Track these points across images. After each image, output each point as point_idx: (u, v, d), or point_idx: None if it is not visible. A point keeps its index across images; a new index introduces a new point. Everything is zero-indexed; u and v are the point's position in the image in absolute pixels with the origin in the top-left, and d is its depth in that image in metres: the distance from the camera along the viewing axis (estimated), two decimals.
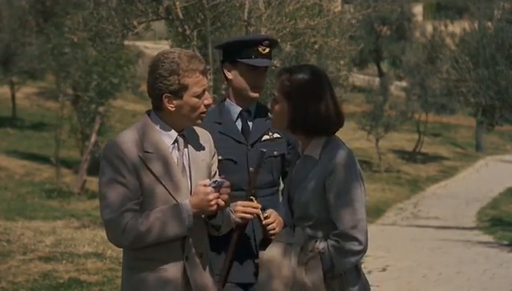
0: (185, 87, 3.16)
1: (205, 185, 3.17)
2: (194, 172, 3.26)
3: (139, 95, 30.99)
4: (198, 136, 3.37)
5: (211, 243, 3.54)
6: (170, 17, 12.30)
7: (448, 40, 26.71)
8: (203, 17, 12.03)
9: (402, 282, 10.38)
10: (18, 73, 26.08)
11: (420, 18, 45.52)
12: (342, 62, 17.49)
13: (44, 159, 22.05)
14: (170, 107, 3.18)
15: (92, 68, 18.15)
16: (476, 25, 21.55)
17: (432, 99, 31.66)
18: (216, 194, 3.14)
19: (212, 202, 3.13)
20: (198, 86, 3.17)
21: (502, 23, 19.63)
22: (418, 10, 46.92)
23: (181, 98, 3.17)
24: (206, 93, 3.22)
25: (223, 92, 12.56)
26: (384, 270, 11.23)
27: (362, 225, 3.26)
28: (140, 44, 21.54)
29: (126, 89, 21.03)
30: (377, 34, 41.41)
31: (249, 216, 3.72)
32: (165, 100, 3.17)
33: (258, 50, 3.81)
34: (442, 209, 21.92)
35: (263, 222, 3.73)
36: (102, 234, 12.02)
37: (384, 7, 37.02)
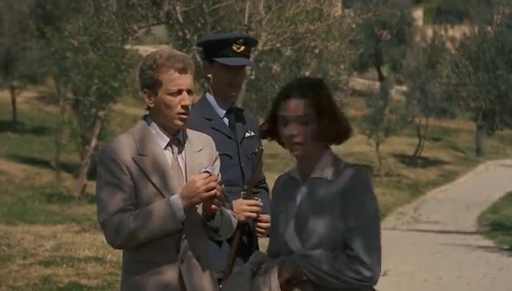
0: (159, 83, 3.16)
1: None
2: (190, 175, 3.23)
3: (139, 100, 30.94)
4: (197, 140, 3.35)
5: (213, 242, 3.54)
6: (171, 21, 12.32)
7: (448, 45, 26.72)
8: (203, 21, 12.04)
9: (402, 286, 10.38)
10: (19, 78, 26.11)
11: (420, 22, 45.55)
12: (342, 66, 17.51)
13: (44, 163, 22.06)
14: (149, 102, 3.22)
15: (93, 72, 18.16)
16: (476, 29, 21.56)
17: (432, 104, 31.67)
18: (204, 181, 3.11)
19: (200, 189, 3.09)
20: (172, 84, 3.14)
21: (502, 27, 19.64)
22: (418, 14, 46.95)
23: (156, 94, 3.19)
24: (184, 94, 3.17)
25: None
26: (384, 274, 11.22)
27: (378, 256, 3.13)
28: (140, 48, 21.53)
29: (126, 93, 21.04)
30: (377, 38, 41.43)
31: (254, 215, 3.83)
32: (145, 95, 3.22)
33: (232, 49, 3.82)
34: (442, 214, 21.90)
35: (258, 224, 3.88)
36: (103, 238, 11.99)
37: (384, 11, 37.09)
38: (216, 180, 3.13)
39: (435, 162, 33.49)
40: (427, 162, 33.08)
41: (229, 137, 3.90)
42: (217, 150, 3.60)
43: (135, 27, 12.49)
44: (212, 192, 3.12)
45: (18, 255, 9.98)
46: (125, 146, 3.17)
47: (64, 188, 19.69)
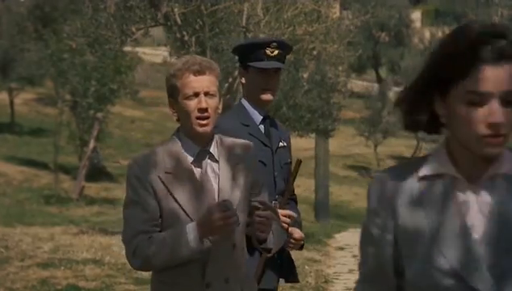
0: (177, 89, 3.00)
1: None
2: (222, 195, 2.99)
3: (137, 101, 31.01)
4: (234, 150, 3.09)
5: None
6: (169, 23, 12.32)
7: None
8: (201, 23, 12.05)
9: None
10: (17, 80, 26.12)
11: (418, 24, 45.60)
12: (340, 68, 17.51)
13: (42, 165, 22.06)
14: (173, 112, 3.05)
15: (91, 74, 18.17)
16: None
17: None
18: (221, 215, 2.86)
19: (216, 223, 2.86)
20: (187, 87, 2.97)
21: None
22: (417, 16, 46.99)
23: (177, 102, 3.02)
24: (201, 96, 2.96)
25: (221, 98, 12.57)
26: None
27: None
28: (138, 50, 21.54)
29: (124, 95, 21.05)
30: (375, 40, 41.48)
31: (286, 226, 3.74)
32: (170, 104, 3.06)
33: (266, 53, 3.78)
34: None
35: (290, 236, 3.82)
36: (101, 240, 12.01)
37: (382, 13, 37.14)
38: (234, 215, 2.88)
39: None
40: None
41: (265, 144, 3.81)
42: None
43: (133, 29, 12.50)
44: (228, 227, 2.90)
45: (16, 257, 9.97)
46: (151, 163, 2.99)
47: (62, 190, 19.69)
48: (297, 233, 3.83)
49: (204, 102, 2.95)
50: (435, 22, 40.35)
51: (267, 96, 3.80)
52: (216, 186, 3.00)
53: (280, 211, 3.63)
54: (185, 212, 2.95)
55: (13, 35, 24.76)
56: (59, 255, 10.33)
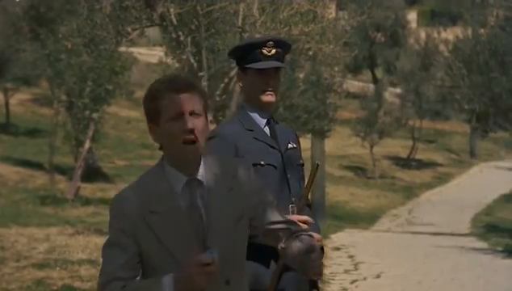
0: (157, 112, 2.64)
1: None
2: (212, 233, 2.65)
3: (133, 102, 30.96)
4: (224, 174, 2.73)
5: (254, 254, 3.22)
6: (164, 23, 12.30)
7: (442, 47, 26.79)
8: (197, 23, 12.03)
9: (397, 289, 10.37)
10: (12, 80, 26.06)
11: (414, 24, 45.62)
12: (336, 68, 17.53)
13: (38, 166, 22.01)
14: (154, 138, 2.69)
15: (87, 74, 18.13)
16: (469, 32, 21.59)
17: (426, 106, 31.74)
18: (202, 269, 2.48)
19: (197, 280, 2.49)
20: (169, 107, 2.61)
21: (496, 29, 19.68)
22: (412, 16, 47.02)
23: (157, 126, 2.65)
24: (185, 117, 2.60)
25: (217, 98, 12.56)
26: (378, 277, 11.22)
27: None
28: (134, 50, 21.49)
29: (120, 95, 21.01)
30: (371, 40, 41.49)
31: None
32: (151, 130, 2.69)
33: (263, 52, 3.61)
34: (436, 216, 21.93)
35: None
36: (96, 240, 11.99)
37: (378, 14, 37.12)
38: (216, 270, 2.49)
39: (429, 164, 33.53)
40: (421, 165, 33.11)
41: (273, 147, 3.64)
42: (261, 161, 3.39)
43: (128, 29, 12.47)
44: (210, 284, 2.52)
45: (11, 258, 9.95)
46: (134, 200, 2.65)
47: (58, 191, 19.64)
48: (316, 235, 3.56)
49: (191, 122, 2.60)
50: (431, 22, 40.36)
51: (268, 97, 3.64)
52: (206, 219, 2.65)
53: (297, 216, 3.48)
54: (173, 256, 2.62)
55: (8, 36, 24.70)
56: (54, 255, 10.32)
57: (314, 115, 17.61)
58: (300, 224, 3.34)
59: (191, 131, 2.60)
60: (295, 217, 3.42)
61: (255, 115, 3.67)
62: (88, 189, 20.50)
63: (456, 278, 11.17)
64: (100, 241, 11.92)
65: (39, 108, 29.71)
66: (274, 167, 3.58)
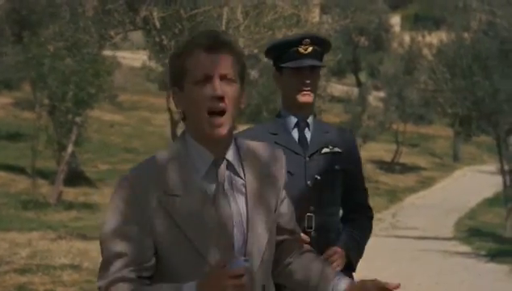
0: (183, 72, 2.16)
1: (223, 266, 2.03)
2: (252, 222, 2.17)
3: (116, 105, 30.85)
4: (262, 158, 2.26)
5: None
6: (148, 27, 12.25)
7: (426, 51, 26.89)
8: (180, 27, 11.98)
9: None
10: None
11: (398, 28, 45.78)
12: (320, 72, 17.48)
13: (20, 170, 21.86)
14: (177, 105, 2.21)
15: (69, 78, 18.04)
16: (453, 36, 21.68)
17: (410, 110, 31.83)
18: (234, 282, 2.01)
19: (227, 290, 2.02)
20: (196, 67, 2.13)
21: (479, 34, 19.76)
22: (396, 20, 47.18)
23: (182, 89, 2.17)
24: (214, 80, 2.12)
25: None
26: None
27: None
28: (117, 54, 21.41)
29: (103, 99, 20.91)
30: (355, 44, 41.58)
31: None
32: (173, 96, 2.21)
33: (298, 51, 3.42)
34: (420, 220, 21.96)
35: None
36: (79, 245, 11.90)
37: (361, 18, 37.17)
38: (248, 283, 2.03)
39: (413, 168, 33.61)
40: (405, 168, 33.19)
41: (296, 152, 3.40)
42: None
43: (112, 33, 12.41)
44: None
45: None
46: (147, 181, 2.13)
47: (40, 195, 19.51)
48: (334, 251, 3.36)
49: (219, 88, 2.12)
50: (415, 26, 40.51)
51: (305, 98, 3.41)
52: (237, 208, 2.16)
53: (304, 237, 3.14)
54: (196, 250, 2.12)
55: None
56: (36, 260, 10.23)
57: None
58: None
59: (220, 98, 2.12)
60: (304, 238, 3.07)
61: (288, 118, 3.47)
62: (71, 193, 20.38)
63: (440, 282, 11.17)
64: (83, 246, 11.83)
65: (21, 112, 29.50)
66: (291, 174, 3.11)
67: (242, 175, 2.19)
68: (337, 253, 3.32)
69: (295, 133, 3.46)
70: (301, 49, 3.42)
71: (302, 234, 2.96)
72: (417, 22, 43.62)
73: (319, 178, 3.40)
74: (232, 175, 2.18)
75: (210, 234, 2.12)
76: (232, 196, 2.16)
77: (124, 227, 2.14)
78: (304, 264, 2.34)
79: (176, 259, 2.13)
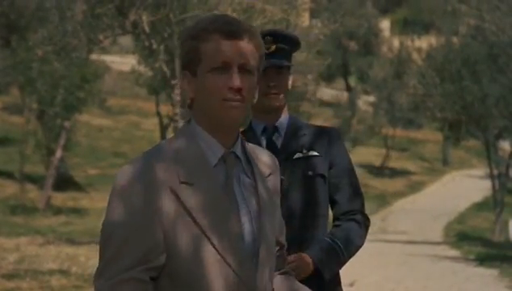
0: (198, 56, 2.01)
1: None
2: (265, 217, 2.05)
3: (106, 110, 30.80)
4: (262, 157, 2.15)
5: None
6: (137, 31, 12.22)
7: (415, 55, 26.96)
8: (170, 31, 11.96)
9: None
10: None
11: (387, 33, 45.89)
12: (309, 77, 17.52)
13: (8, 175, 21.77)
14: (186, 90, 2.05)
15: (58, 82, 17.99)
16: (442, 40, 21.75)
17: (399, 114, 31.90)
18: None
19: None
20: (214, 54, 1.98)
21: (468, 38, 19.82)
22: (385, 25, 47.29)
23: (195, 75, 2.02)
24: (233, 70, 1.97)
25: None
26: (351, 285, 11.19)
27: None
28: (106, 58, 21.35)
29: (92, 104, 20.88)
30: (344, 49, 41.65)
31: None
32: (184, 81, 2.06)
33: None
34: (409, 224, 22.00)
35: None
36: (68, 250, 11.85)
37: (351, 22, 37.28)
38: None
39: (402, 173, 33.66)
40: (394, 173, 33.23)
41: None
42: None
43: (100, 37, 12.38)
44: None
45: None
46: (160, 170, 1.95)
47: (28, 200, 19.44)
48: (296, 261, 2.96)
49: (237, 79, 1.97)
50: (404, 31, 40.60)
51: (271, 101, 3.08)
52: (246, 207, 2.03)
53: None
54: (210, 240, 1.95)
55: None
56: (24, 265, 10.17)
57: None
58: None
59: (238, 90, 1.97)
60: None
61: (255, 125, 3.17)
62: (59, 198, 20.31)
63: (429, 286, 11.18)
64: (72, 250, 11.78)
65: (9, 117, 29.42)
66: None
67: (250, 174, 2.06)
68: (301, 260, 2.91)
69: (263, 140, 3.13)
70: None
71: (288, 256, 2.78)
72: (406, 26, 43.74)
73: (287, 187, 3.02)
74: (239, 172, 2.04)
75: (223, 224, 1.97)
76: (241, 193, 2.02)
77: (134, 219, 1.91)
78: (276, 287, 2.18)
79: (186, 253, 1.94)
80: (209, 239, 1.93)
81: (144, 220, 1.90)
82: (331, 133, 3.16)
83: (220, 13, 12.00)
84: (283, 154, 3.06)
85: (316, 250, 2.96)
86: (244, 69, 1.98)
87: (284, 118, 3.16)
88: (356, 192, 3.17)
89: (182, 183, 1.94)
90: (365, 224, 3.20)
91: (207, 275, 1.94)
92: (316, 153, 3.09)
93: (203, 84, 1.99)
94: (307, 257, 2.91)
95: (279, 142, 3.11)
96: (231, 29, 1.99)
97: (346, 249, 3.05)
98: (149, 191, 1.91)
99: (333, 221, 3.12)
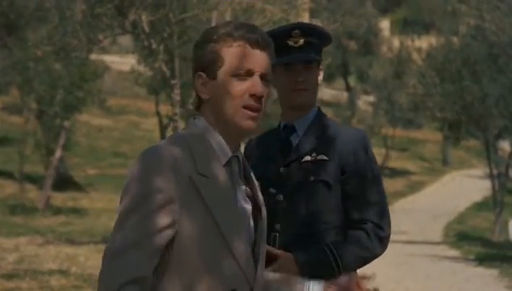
0: (220, 59, 2.04)
1: None
2: (258, 213, 2.12)
3: (105, 110, 30.79)
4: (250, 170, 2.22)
5: None
6: (136, 31, 12.21)
7: (415, 55, 26.94)
8: (169, 31, 11.95)
9: None
10: None
11: (387, 33, 45.87)
12: None
13: (7, 175, 21.77)
14: (203, 92, 2.06)
15: (57, 82, 17.98)
16: (442, 40, 21.73)
17: (399, 114, 31.88)
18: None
19: None
20: (241, 60, 2.03)
21: (468, 38, 19.81)
22: (385, 25, 47.28)
23: (215, 77, 2.05)
24: (255, 78, 2.03)
25: (190, 107, 12.49)
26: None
27: None
28: (106, 58, 21.34)
29: (92, 103, 20.87)
30: (344, 49, 41.63)
31: None
32: (198, 81, 2.07)
33: (288, 45, 2.91)
34: (409, 224, 21.98)
35: None
36: (67, 250, 11.84)
37: (351, 22, 37.27)
38: None
39: (402, 173, 33.66)
40: (394, 173, 33.23)
41: (273, 160, 2.94)
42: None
43: (100, 37, 12.37)
44: None
45: None
46: (178, 157, 1.98)
47: (27, 200, 19.43)
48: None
49: (261, 87, 2.03)
50: (404, 30, 40.59)
51: (298, 97, 2.93)
52: (245, 203, 2.09)
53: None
54: (222, 235, 1.98)
55: None
56: (24, 265, 10.17)
57: None
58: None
59: (259, 98, 2.04)
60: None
61: (282, 122, 3.03)
62: (59, 198, 20.30)
63: (429, 286, 11.16)
64: (71, 251, 11.77)
65: (8, 117, 29.40)
66: (260, 186, 2.55)
67: (244, 180, 2.11)
68: (285, 258, 2.74)
69: (279, 139, 3.00)
70: (291, 42, 2.93)
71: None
72: (406, 26, 43.73)
73: (290, 191, 2.88)
74: (240, 170, 2.10)
75: (236, 220, 2.02)
76: (243, 197, 2.08)
77: (153, 208, 1.93)
78: (268, 279, 2.22)
79: (199, 246, 1.96)
80: (220, 231, 1.97)
81: (165, 212, 1.93)
82: (353, 136, 2.97)
83: (219, 13, 12.01)
84: (294, 155, 2.93)
85: (305, 253, 2.80)
86: (264, 79, 2.05)
87: (308, 116, 3.00)
88: (369, 201, 3.00)
89: (200, 174, 1.99)
90: (376, 234, 3.05)
91: (213, 265, 1.97)
92: (325, 158, 2.91)
93: (224, 87, 2.03)
94: (291, 256, 2.75)
95: (295, 142, 2.97)
96: (257, 38, 2.06)
97: (342, 258, 2.87)
98: (175, 178, 1.95)
99: (345, 229, 2.94)
